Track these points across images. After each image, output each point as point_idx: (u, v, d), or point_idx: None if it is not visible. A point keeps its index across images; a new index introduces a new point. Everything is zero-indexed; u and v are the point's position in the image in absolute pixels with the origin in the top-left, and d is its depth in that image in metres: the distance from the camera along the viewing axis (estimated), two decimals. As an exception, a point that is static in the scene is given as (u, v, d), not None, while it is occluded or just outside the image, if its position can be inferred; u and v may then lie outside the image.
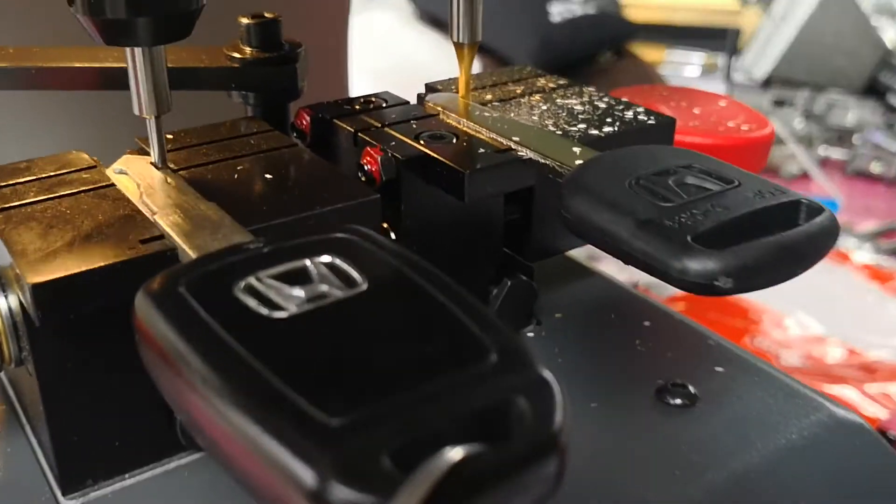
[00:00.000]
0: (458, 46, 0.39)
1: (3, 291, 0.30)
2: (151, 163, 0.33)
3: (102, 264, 0.27)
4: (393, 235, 0.36)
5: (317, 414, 0.18)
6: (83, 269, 0.27)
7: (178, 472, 0.32)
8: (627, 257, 0.28)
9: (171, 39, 0.30)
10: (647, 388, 0.37)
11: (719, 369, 0.38)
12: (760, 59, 1.32)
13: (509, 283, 0.39)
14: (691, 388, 0.37)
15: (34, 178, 0.32)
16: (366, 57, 1.30)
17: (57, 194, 0.31)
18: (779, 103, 1.33)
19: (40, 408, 0.30)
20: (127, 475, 0.32)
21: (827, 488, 0.34)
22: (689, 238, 0.27)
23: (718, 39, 1.60)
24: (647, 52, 1.58)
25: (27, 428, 0.34)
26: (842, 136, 1.33)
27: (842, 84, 1.37)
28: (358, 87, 0.78)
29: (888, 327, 0.94)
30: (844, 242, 1.11)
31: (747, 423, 0.35)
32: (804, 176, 1.16)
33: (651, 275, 0.27)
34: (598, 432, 0.35)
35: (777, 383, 0.38)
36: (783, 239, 0.27)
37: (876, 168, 1.24)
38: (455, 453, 0.17)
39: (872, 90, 1.36)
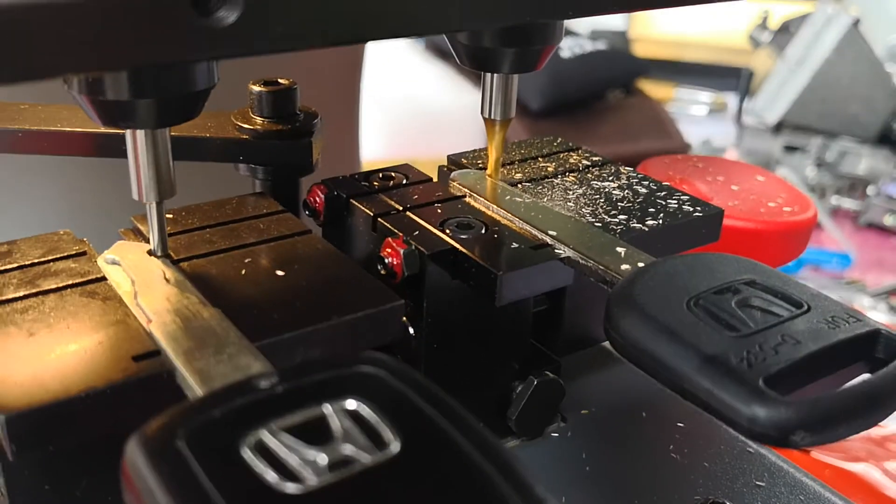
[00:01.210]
0: (490, 122, 0.36)
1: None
2: (149, 251, 0.30)
3: (88, 389, 0.23)
4: (412, 331, 0.33)
5: None
6: (65, 396, 0.23)
7: None
8: (687, 394, 0.25)
9: (177, 122, 0.27)
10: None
11: (760, 484, 0.35)
12: (773, 102, 1.29)
13: (536, 382, 0.35)
14: (732, 510, 0.33)
15: (16, 265, 0.29)
16: (374, 87, 1.27)
17: (41, 289, 0.28)
18: (790, 149, 1.31)
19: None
20: None
21: None
22: (760, 381, 0.23)
23: (727, 79, 1.58)
24: (656, 90, 1.56)
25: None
26: (854, 185, 1.30)
27: (855, 132, 1.34)
28: (366, 117, 0.74)
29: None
30: (859, 301, 1.08)
31: (794, 552, 0.32)
32: (816, 226, 1.12)
33: (715, 416, 0.24)
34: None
35: (822, 500, 0.34)
36: (869, 386, 0.24)
37: (889, 220, 1.21)
38: None
39: (886, 139, 1.33)
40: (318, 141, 0.36)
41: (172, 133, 0.33)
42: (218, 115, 0.36)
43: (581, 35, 1.51)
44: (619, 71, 1.46)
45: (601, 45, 1.47)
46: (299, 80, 0.37)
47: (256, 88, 0.36)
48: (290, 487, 0.18)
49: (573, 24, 1.60)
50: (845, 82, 1.28)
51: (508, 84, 0.35)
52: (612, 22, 1.65)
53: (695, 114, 1.65)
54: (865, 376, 0.25)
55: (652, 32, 1.70)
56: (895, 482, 0.71)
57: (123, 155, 0.32)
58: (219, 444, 0.19)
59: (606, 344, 0.41)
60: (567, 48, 1.41)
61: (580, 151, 0.41)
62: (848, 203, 1.29)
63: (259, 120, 0.36)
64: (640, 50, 1.58)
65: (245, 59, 0.36)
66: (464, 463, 0.19)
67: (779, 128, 1.35)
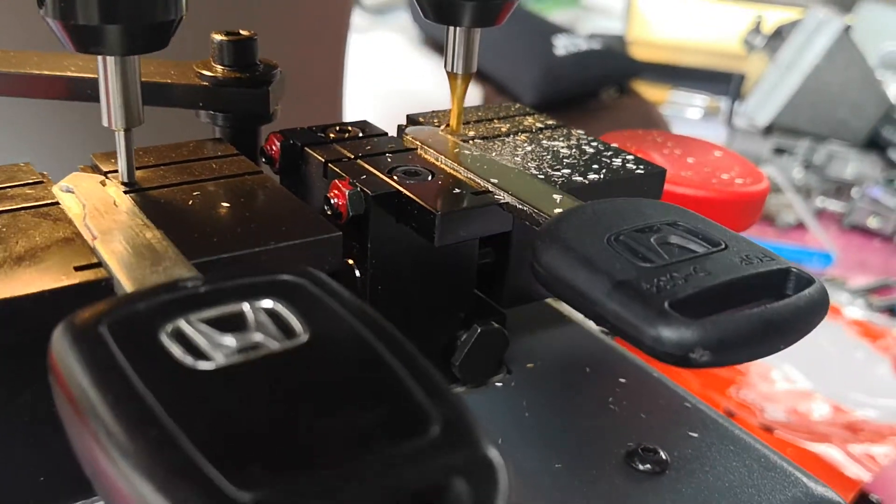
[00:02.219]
0: (452, 76, 0.37)
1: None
2: (101, 181, 0.31)
3: (29, 292, 0.25)
4: (357, 273, 0.34)
5: (227, 487, 0.16)
6: (9, 296, 0.24)
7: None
8: (600, 319, 0.26)
9: (146, 50, 0.28)
10: (617, 450, 0.35)
11: (693, 434, 0.36)
12: (763, 105, 1.31)
13: (479, 330, 0.37)
14: (662, 454, 0.35)
15: None
16: (367, 78, 1.28)
17: (-3, 208, 0.29)
18: (779, 151, 1.32)
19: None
20: (52, 513, 0.29)
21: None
22: (666, 304, 0.25)
23: (722, 83, 1.59)
24: (651, 92, 1.57)
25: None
26: (840, 189, 1.31)
27: (844, 136, 1.35)
28: (356, 108, 0.75)
29: (876, 387, 0.92)
30: (837, 297, 1.09)
31: (718, 494, 0.33)
32: (800, 226, 1.14)
33: (624, 339, 0.25)
34: (561, 496, 0.33)
35: (754, 453, 0.36)
36: (768, 312, 0.25)
37: (873, 223, 1.22)
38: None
39: (874, 144, 1.35)
40: (277, 92, 0.38)
41: (153, 79, 0.35)
42: (181, 63, 0.37)
43: (578, 34, 1.52)
44: (614, 70, 1.48)
45: (596, 45, 1.48)
46: (285, 57, 0.39)
47: (218, 37, 0.37)
48: (200, 365, 0.20)
49: (571, 23, 1.61)
50: (835, 87, 1.30)
51: (470, 38, 0.37)
52: (610, 25, 1.67)
53: (689, 117, 1.67)
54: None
55: (648, 36, 1.72)
56: (855, 463, 0.72)
57: (88, 98, 0.34)
58: (139, 331, 0.21)
59: (552, 301, 0.43)
60: (562, 46, 1.43)
61: (536, 116, 0.42)
62: (833, 205, 1.31)
63: (220, 68, 0.37)
64: (637, 53, 1.59)
65: (222, 19, 0.38)
66: (368, 354, 0.21)
67: (769, 130, 1.37)
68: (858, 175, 1.27)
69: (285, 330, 0.21)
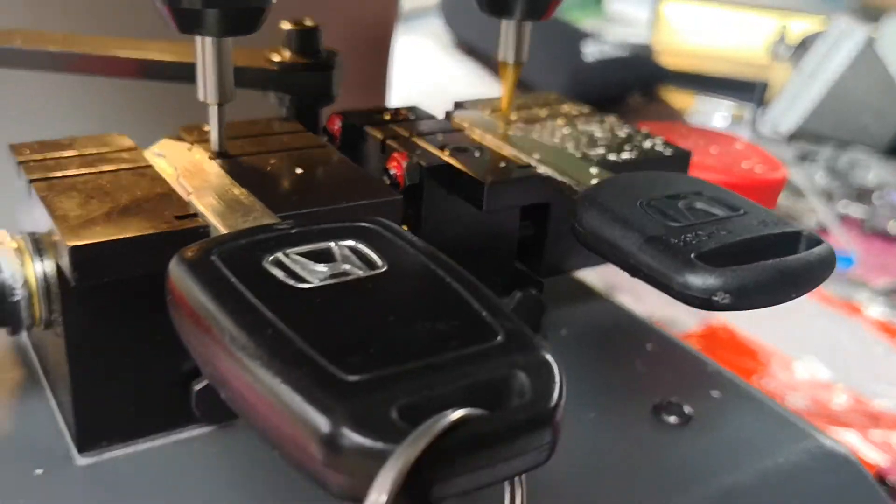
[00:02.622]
0: (504, 65, 0.41)
1: (40, 257, 0.32)
2: (188, 148, 0.35)
3: (138, 234, 0.28)
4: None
5: (335, 371, 0.20)
6: (119, 236, 0.28)
7: (189, 442, 0.34)
8: (634, 270, 0.30)
9: (239, 33, 0.32)
10: (645, 404, 0.38)
11: (715, 394, 0.40)
12: (787, 113, 1.33)
13: (519, 295, 0.40)
14: (686, 409, 0.38)
15: (76, 153, 0.34)
16: (400, 82, 1.32)
17: (98, 170, 0.33)
18: (802, 157, 1.35)
19: (64, 368, 0.31)
20: (140, 440, 0.33)
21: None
22: (692, 255, 0.28)
23: (746, 91, 1.61)
24: (677, 98, 1.60)
25: (47, 390, 0.36)
26: (862, 194, 1.34)
27: (866, 142, 1.38)
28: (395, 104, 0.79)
29: (895, 379, 0.94)
30: (857, 295, 1.12)
31: (737, 445, 0.37)
32: (822, 230, 1.17)
33: (655, 287, 0.29)
34: (594, 442, 0.36)
35: (769, 411, 0.39)
36: (781, 264, 0.29)
37: (893, 228, 1.25)
38: (456, 414, 0.19)
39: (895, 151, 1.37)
40: (337, 76, 0.42)
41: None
42: (253, 50, 0.41)
43: (606, 41, 1.55)
44: (641, 77, 1.50)
45: (624, 52, 1.51)
46: (334, 24, 0.43)
47: (287, 27, 0.41)
48: (300, 285, 0.24)
49: (605, 30, 1.63)
50: (858, 96, 1.32)
51: (521, 31, 0.41)
52: (637, 33, 1.70)
53: (715, 124, 1.70)
54: (783, 259, 0.29)
55: (674, 44, 1.74)
56: (873, 447, 0.76)
57: (164, 79, 0.38)
58: (244, 260, 0.25)
59: (584, 276, 0.46)
60: (591, 53, 1.46)
61: (571, 104, 0.46)
62: (855, 210, 1.33)
63: (288, 54, 0.41)
64: (663, 61, 1.62)
65: (285, 7, 0.42)
66: (437, 281, 0.24)
67: (793, 137, 1.40)
68: (880, 181, 1.30)
69: (367, 262, 0.25)
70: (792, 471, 0.36)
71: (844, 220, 1.30)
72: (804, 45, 1.43)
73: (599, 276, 0.50)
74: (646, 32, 1.71)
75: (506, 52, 0.41)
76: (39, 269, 0.32)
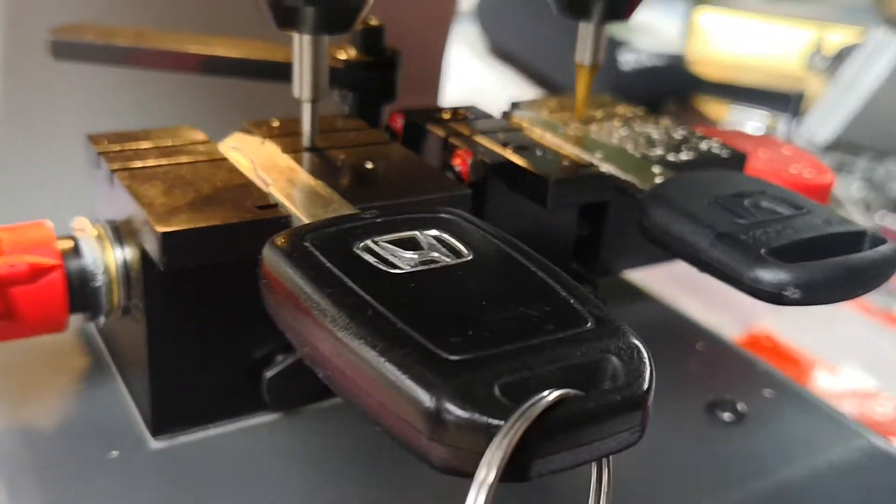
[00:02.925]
0: (580, 66, 0.42)
1: (120, 244, 0.33)
2: (268, 139, 0.36)
3: (224, 223, 0.29)
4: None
5: (437, 351, 0.21)
6: (206, 224, 0.29)
7: (258, 429, 0.35)
8: (705, 266, 0.30)
9: (336, 31, 0.33)
10: (699, 402, 0.39)
11: (767, 393, 0.40)
12: (823, 123, 1.33)
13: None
14: (740, 407, 0.39)
15: (153, 145, 0.35)
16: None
17: (176, 161, 0.34)
18: (839, 168, 1.35)
19: (142, 353, 0.32)
20: (212, 426, 0.34)
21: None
22: (762, 251, 0.29)
23: (781, 101, 1.60)
24: (711, 108, 1.61)
25: (117, 377, 0.37)
26: (899, 205, 1.33)
27: (904, 153, 1.36)
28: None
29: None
30: (896, 306, 1.12)
31: (790, 442, 0.37)
32: None
33: (725, 282, 0.30)
34: (652, 437, 0.37)
35: (823, 412, 0.40)
36: (849, 261, 0.29)
37: (932, 238, 1.25)
38: (556, 393, 0.20)
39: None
40: (399, 75, 0.43)
41: (282, 59, 0.40)
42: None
43: (641, 51, 1.56)
44: (675, 86, 1.50)
45: (659, 62, 1.51)
46: (393, 38, 0.43)
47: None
48: (391, 271, 0.24)
49: (635, 40, 1.63)
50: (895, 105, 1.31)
51: (598, 33, 0.41)
52: (666, 42, 1.70)
53: (750, 133, 1.70)
54: (850, 257, 0.30)
55: (708, 54, 1.74)
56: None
57: (227, 75, 0.39)
58: (336, 246, 0.25)
59: (633, 278, 0.47)
60: (626, 62, 1.46)
61: (625, 105, 0.47)
62: (892, 221, 1.33)
63: (353, 52, 0.42)
64: (698, 71, 1.62)
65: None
66: (522, 269, 0.25)
67: (829, 147, 1.39)
68: (919, 192, 1.30)
69: (453, 250, 0.26)
70: (844, 469, 0.37)
71: (882, 230, 1.30)
72: (841, 57, 1.43)
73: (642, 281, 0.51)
74: (677, 41, 1.72)
75: (582, 54, 0.42)
76: (119, 255, 0.33)
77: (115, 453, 0.33)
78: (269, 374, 0.34)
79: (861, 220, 1.22)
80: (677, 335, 0.45)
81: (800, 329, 0.68)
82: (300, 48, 0.34)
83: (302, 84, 0.34)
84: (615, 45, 1.40)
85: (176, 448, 0.33)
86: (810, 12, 1.58)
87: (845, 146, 1.36)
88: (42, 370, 0.37)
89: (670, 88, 1.45)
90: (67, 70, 0.44)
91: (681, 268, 0.69)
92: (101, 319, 0.34)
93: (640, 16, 0.44)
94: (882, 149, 1.34)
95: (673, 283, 0.52)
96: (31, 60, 0.45)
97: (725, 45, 1.69)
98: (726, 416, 0.38)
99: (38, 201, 0.47)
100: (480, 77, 1.35)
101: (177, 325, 0.32)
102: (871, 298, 0.79)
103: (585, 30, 0.41)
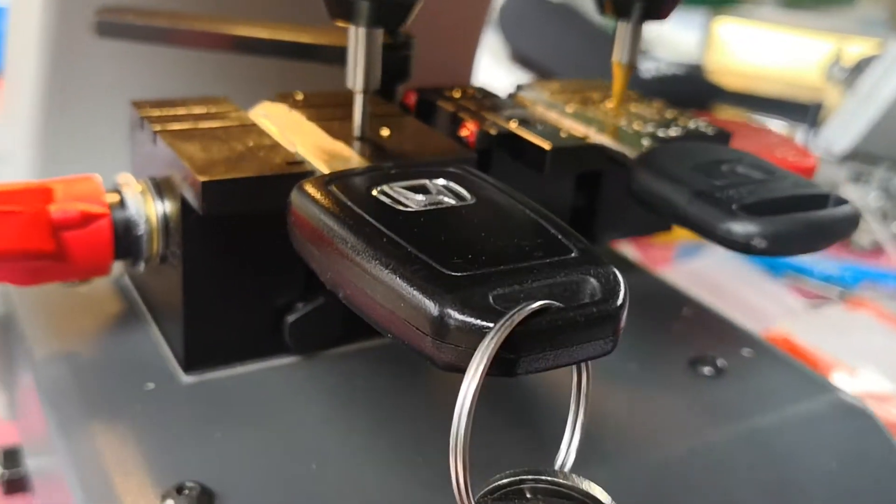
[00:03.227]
0: (617, 65, 0.44)
1: (160, 197, 0.36)
2: (294, 109, 0.40)
3: (257, 174, 0.33)
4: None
5: (441, 269, 0.24)
6: (241, 175, 0.33)
7: (281, 369, 0.38)
8: (683, 221, 0.34)
9: (390, 25, 0.35)
10: (682, 358, 0.42)
11: (746, 352, 0.44)
12: (842, 134, 1.36)
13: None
14: (720, 363, 0.42)
15: (188, 112, 0.39)
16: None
17: (210, 125, 0.38)
18: (856, 178, 1.37)
19: (178, 296, 0.36)
20: (238, 364, 0.38)
21: (826, 457, 0.39)
22: (734, 207, 0.33)
23: (798, 111, 1.62)
24: (729, 117, 1.63)
25: (150, 322, 0.40)
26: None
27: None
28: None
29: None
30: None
31: (765, 394, 0.41)
32: (877, 249, 1.20)
33: (701, 235, 0.33)
34: (636, 390, 0.40)
35: (797, 369, 0.43)
36: (811, 216, 0.33)
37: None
38: (540, 303, 0.23)
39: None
40: (413, 56, 0.46)
41: (306, 41, 0.43)
42: (338, 29, 0.46)
43: (660, 60, 1.59)
44: (694, 95, 1.52)
45: (679, 71, 1.53)
46: (425, 30, 0.47)
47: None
48: (404, 209, 0.28)
49: (654, 49, 1.66)
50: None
51: (635, 33, 0.43)
52: (690, 51, 1.72)
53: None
54: (813, 215, 0.34)
55: (727, 64, 1.77)
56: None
57: (251, 53, 0.43)
58: (356, 189, 0.29)
59: (625, 252, 0.51)
60: (645, 70, 1.49)
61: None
62: (908, 231, 1.33)
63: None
64: (716, 80, 1.65)
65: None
66: (518, 211, 0.29)
67: (846, 158, 1.41)
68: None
69: (457, 195, 0.30)
70: (813, 418, 0.40)
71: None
72: (859, 68, 1.45)
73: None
74: (696, 51, 1.74)
75: (620, 53, 0.44)
76: (160, 208, 0.36)
77: (150, 385, 0.36)
78: (290, 319, 0.38)
79: (879, 230, 1.24)
80: (664, 300, 0.48)
81: (817, 333, 0.70)
82: (355, 40, 0.35)
83: (356, 75, 0.36)
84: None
85: (205, 383, 0.37)
86: (829, 24, 1.60)
87: (863, 156, 1.39)
88: (84, 313, 0.41)
89: (689, 97, 1.48)
90: (108, 47, 0.48)
91: (702, 273, 0.72)
92: (141, 266, 0.37)
93: (659, 27, 0.46)
94: (896, 159, 1.35)
95: (694, 287, 0.55)
96: (76, 37, 0.49)
97: (744, 55, 1.72)
98: (706, 370, 0.42)
99: (81, 162, 0.51)
100: (500, 81, 1.38)
101: (210, 271, 0.36)
102: (887, 305, 0.82)
103: (623, 29, 0.43)
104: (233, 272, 0.36)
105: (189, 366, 0.37)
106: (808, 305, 0.74)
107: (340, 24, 0.35)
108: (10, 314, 0.42)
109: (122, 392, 0.36)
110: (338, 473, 0.33)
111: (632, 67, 0.45)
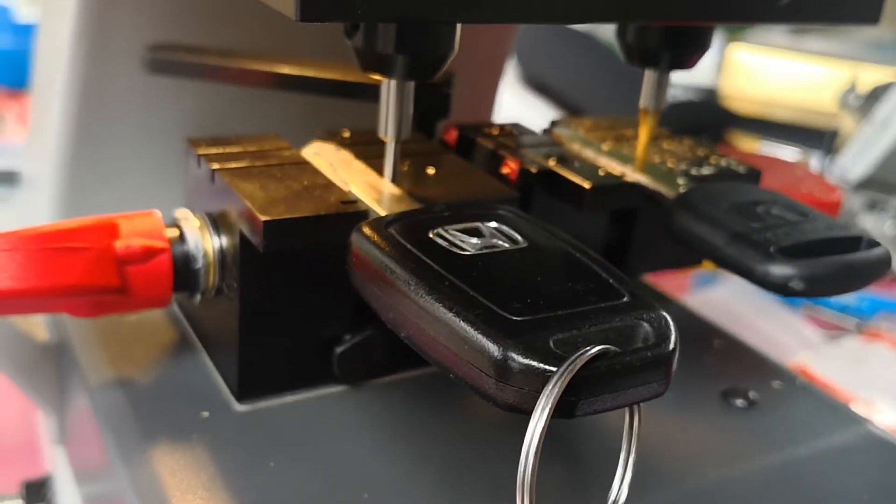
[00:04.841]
0: (643, 112, 0.45)
1: (217, 233, 0.38)
2: (342, 147, 0.41)
3: (314, 214, 0.35)
4: (517, 236, 0.44)
5: (503, 313, 0.26)
6: (299, 215, 0.34)
7: (329, 398, 0.40)
8: (722, 262, 0.35)
9: (421, 78, 0.36)
10: (714, 390, 0.44)
11: (776, 384, 0.45)
12: (857, 161, 1.36)
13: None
14: (751, 395, 0.43)
15: (243, 149, 0.41)
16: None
17: (266, 162, 0.39)
18: (871, 206, 1.37)
19: (233, 327, 0.38)
20: (289, 393, 0.39)
21: (856, 489, 0.40)
22: (771, 249, 0.34)
23: (813, 138, 1.62)
24: (743, 143, 1.64)
25: (201, 351, 0.42)
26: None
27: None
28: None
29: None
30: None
31: (796, 426, 0.42)
32: (894, 279, 1.20)
33: (739, 275, 0.35)
34: (671, 421, 0.42)
35: (827, 402, 0.44)
36: (846, 258, 0.34)
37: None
38: (598, 348, 0.25)
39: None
40: (453, 94, 0.48)
41: (351, 79, 0.45)
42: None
43: (675, 86, 1.59)
44: (708, 121, 1.53)
45: (692, 96, 1.54)
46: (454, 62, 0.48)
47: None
48: (461, 252, 0.29)
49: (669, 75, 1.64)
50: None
51: (662, 81, 0.44)
52: (705, 77, 1.73)
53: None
54: (847, 257, 0.35)
55: (742, 90, 1.78)
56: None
57: (296, 90, 0.44)
58: (413, 232, 0.31)
59: (648, 281, 0.52)
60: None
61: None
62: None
63: (413, 73, 0.47)
64: (730, 106, 1.65)
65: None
66: (569, 255, 0.30)
67: (861, 185, 1.41)
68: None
69: (509, 238, 0.31)
70: (843, 450, 0.41)
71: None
72: (875, 95, 1.45)
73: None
74: (711, 77, 1.74)
75: (647, 100, 0.44)
76: (217, 243, 0.38)
77: (205, 413, 0.38)
78: (339, 350, 0.39)
79: (894, 259, 1.23)
80: (697, 333, 0.49)
81: (834, 365, 0.71)
82: (387, 92, 0.37)
83: (388, 126, 0.37)
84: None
85: (258, 411, 0.38)
86: (844, 51, 1.61)
87: (878, 184, 1.39)
88: (137, 342, 0.42)
89: (704, 123, 1.49)
90: (138, 79, 0.49)
91: (719, 303, 0.73)
92: (198, 298, 0.39)
93: None
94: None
95: (711, 317, 0.56)
96: (107, 68, 0.50)
97: (759, 81, 1.72)
98: (739, 402, 0.43)
99: (107, 191, 0.52)
100: (513, 106, 1.40)
101: (264, 304, 0.37)
102: None
103: (651, 77, 0.44)
104: (286, 305, 0.38)
105: (242, 395, 0.38)
106: (825, 337, 0.75)
107: (374, 76, 0.36)
108: (64, 342, 0.44)
109: (179, 420, 0.37)
110: (389, 502, 0.34)
111: (658, 114, 0.45)
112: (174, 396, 0.39)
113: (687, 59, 0.42)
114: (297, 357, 0.39)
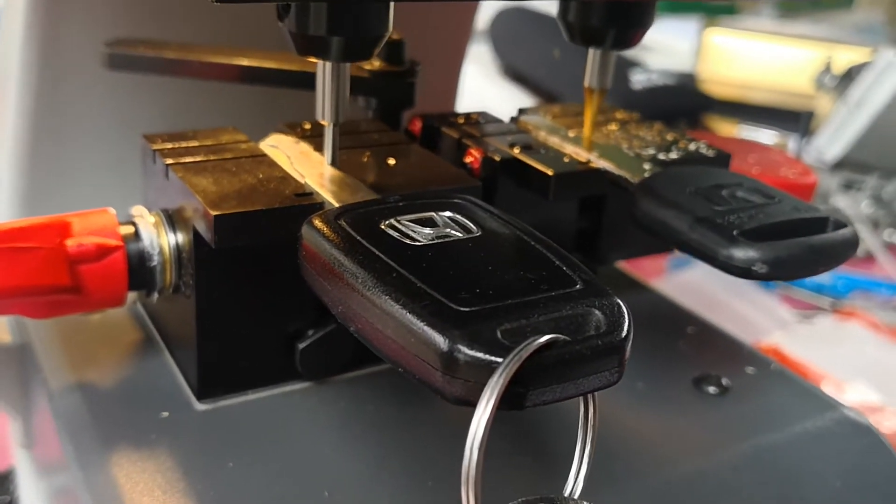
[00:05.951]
0: (588, 90, 0.45)
1: (173, 229, 0.37)
2: (301, 140, 0.41)
3: (266, 207, 0.34)
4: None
5: (450, 304, 0.25)
6: (251, 209, 0.34)
7: (292, 395, 0.39)
8: (685, 247, 0.35)
9: (356, 59, 0.36)
10: (687, 377, 0.43)
11: (750, 370, 0.44)
12: (832, 142, 1.36)
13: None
14: (724, 381, 0.43)
15: (200, 144, 0.40)
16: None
17: (222, 157, 0.38)
18: (847, 186, 1.38)
19: (191, 325, 0.37)
20: (250, 391, 0.38)
21: (831, 474, 0.40)
22: (735, 233, 0.33)
23: (790, 120, 1.63)
24: (721, 127, 1.64)
25: (164, 350, 0.41)
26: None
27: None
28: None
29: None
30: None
31: (769, 412, 0.41)
32: (869, 258, 1.20)
33: (703, 260, 0.34)
34: (642, 407, 0.41)
35: (800, 387, 0.44)
36: (811, 241, 0.34)
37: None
38: (547, 337, 0.24)
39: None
40: (418, 84, 0.47)
41: (303, 69, 0.44)
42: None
43: (652, 71, 1.59)
44: (686, 105, 1.53)
45: (670, 81, 1.54)
46: (414, 50, 0.47)
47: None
48: (412, 243, 0.29)
49: (647, 60, 1.67)
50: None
51: (606, 59, 0.44)
52: (682, 61, 1.73)
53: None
54: (812, 239, 0.34)
55: (719, 74, 1.78)
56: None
57: (257, 83, 0.43)
58: (365, 224, 0.30)
59: (622, 268, 0.51)
60: (637, 81, 1.49)
61: (624, 112, 0.51)
62: (900, 239, 1.33)
63: (377, 63, 0.47)
64: (708, 90, 1.66)
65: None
66: (523, 243, 0.30)
67: (838, 166, 1.42)
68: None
69: (464, 227, 0.30)
70: (817, 435, 0.41)
71: (890, 248, 1.32)
72: (850, 76, 1.46)
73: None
74: (688, 61, 1.74)
75: (591, 79, 0.45)
76: (172, 240, 0.37)
77: (165, 413, 0.37)
78: (301, 345, 0.38)
79: (870, 238, 1.24)
80: (669, 319, 0.49)
81: (808, 344, 0.71)
82: (323, 75, 0.36)
83: (324, 108, 0.37)
84: (626, 64, 1.44)
85: (218, 410, 0.38)
86: (820, 32, 1.61)
87: (854, 165, 1.39)
88: (99, 342, 0.42)
89: (681, 107, 1.48)
90: (97, 75, 0.48)
91: (694, 285, 0.72)
92: (155, 296, 0.38)
93: (652, 35, 0.46)
94: (890, 167, 1.37)
95: (686, 299, 0.55)
96: (62, 66, 0.49)
97: (736, 64, 1.72)
98: (711, 389, 0.42)
99: (68, 190, 0.51)
100: (491, 95, 1.39)
101: (222, 300, 0.36)
102: (879, 315, 0.82)
103: (594, 56, 0.44)
104: (244, 301, 0.37)
105: (202, 394, 0.38)
106: (799, 316, 0.74)
107: (310, 59, 0.35)
108: (26, 344, 0.43)
109: (138, 421, 0.37)
110: (350, 500, 0.33)
111: (603, 93, 0.45)
112: (135, 398, 0.38)
113: (630, 36, 0.42)
114: (259, 354, 0.38)
